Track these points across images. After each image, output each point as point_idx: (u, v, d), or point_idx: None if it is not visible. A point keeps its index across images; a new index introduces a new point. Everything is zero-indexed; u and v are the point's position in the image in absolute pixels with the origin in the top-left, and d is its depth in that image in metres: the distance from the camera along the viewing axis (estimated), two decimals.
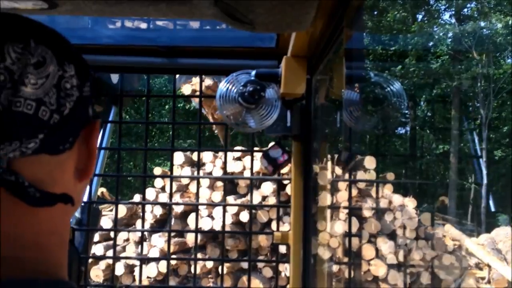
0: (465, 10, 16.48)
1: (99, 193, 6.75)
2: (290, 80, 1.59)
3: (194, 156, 6.15)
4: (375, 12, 17.60)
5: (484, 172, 14.19)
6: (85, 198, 3.28)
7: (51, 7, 0.91)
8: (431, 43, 15.52)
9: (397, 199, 5.98)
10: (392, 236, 5.61)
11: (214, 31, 1.84)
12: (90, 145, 0.56)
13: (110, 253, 5.68)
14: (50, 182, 0.51)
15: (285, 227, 5.24)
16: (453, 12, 16.55)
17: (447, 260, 5.44)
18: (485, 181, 14.09)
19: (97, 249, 5.93)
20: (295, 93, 1.65)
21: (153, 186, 6.32)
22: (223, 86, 1.68)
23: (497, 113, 15.29)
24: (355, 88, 1.57)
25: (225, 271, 5.43)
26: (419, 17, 17.60)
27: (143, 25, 1.82)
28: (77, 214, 2.46)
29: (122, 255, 5.84)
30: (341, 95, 1.60)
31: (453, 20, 16.27)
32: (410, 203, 5.86)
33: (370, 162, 5.87)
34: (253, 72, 1.67)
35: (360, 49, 1.19)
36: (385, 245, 5.36)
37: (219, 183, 5.68)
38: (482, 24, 14.55)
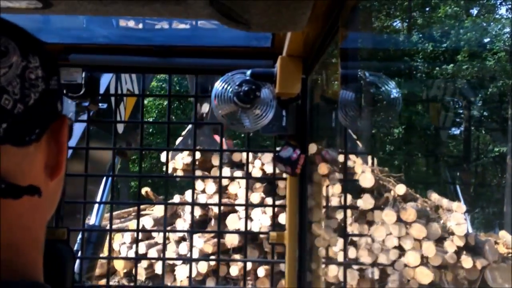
0: None
1: (143, 192, 6.81)
2: (285, 80, 1.59)
3: (234, 157, 6.17)
4: (427, 9, 17.00)
5: None
6: (92, 222, 3.30)
7: (45, 7, 0.91)
8: (486, 39, 14.87)
9: (446, 203, 5.67)
10: (439, 242, 5.33)
11: (209, 31, 1.84)
12: (59, 140, 0.55)
13: (151, 251, 5.85)
14: (17, 175, 0.50)
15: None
16: (510, 6, 15.93)
17: (501, 269, 5.10)
18: None
19: (139, 248, 6.04)
20: (291, 93, 1.65)
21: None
22: (218, 85, 1.68)
23: None
24: (350, 88, 1.57)
25: (263, 274, 5.40)
26: (473, 12, 16.85)
27: (138, 25, 1.82)
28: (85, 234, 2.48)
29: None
30: (336, 95, 1.60)
31: (510, 15, 15.65)
32: (459, 207, 5.56)
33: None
34: (249, 72, 1.66)
35: (356, 49, 1.19)
36: (431, 252, 5.09)
37: (258, 184, 5.68)
38: None
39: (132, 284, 6.02)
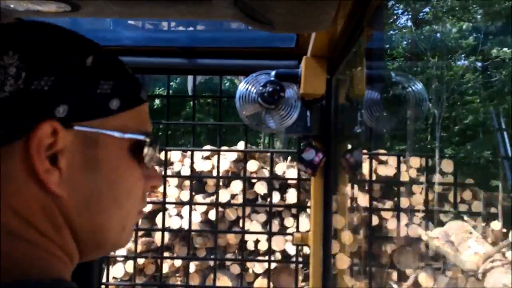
0: (421, 14, 16.56)
1: None
2: (309, 80, 1.58)
3: (162, 156, 6.21)
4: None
5: None
6: None
7: (73, 10, 0.93)
8: (387, 45, 15.28)
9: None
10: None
11: (233, 32, 1.84)
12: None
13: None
14: None
15: (253, 224, 5.40)
16: (410, 16, 16.58)
17: (407, 252, 5.70)
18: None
19: None
20: (315, 93, 1.64)
21: None
22: (242, 86, 1.68)
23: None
24: (376, 88, 1.55)
25: (193, 270, 5.47)
26: None
27: (163, 27, 1.84)
28: None
29: None
30: (361, 95, 1.59)
31: (410, 23, 16.27)
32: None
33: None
34: (273, 73, 1.67)
35: (381, 49, 1.18)
36: (349, 240, 5.37)
37: (187, 182, 5.68)
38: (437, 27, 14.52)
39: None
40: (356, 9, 1.11)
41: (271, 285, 5.29)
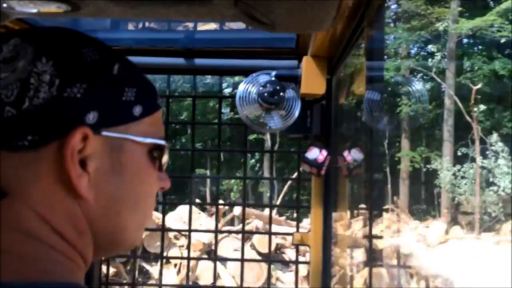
0: None
1: None
2: (310, 80, 1.59)
3: None
4: None
5: None
6: None
7: (73, 10, 0.93)
8: None
9: None
10: None
11: (234, 32, 1.85)
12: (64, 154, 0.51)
13: None
14: (11, 179, 0.49)
15: None
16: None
17: (155, 235, 6.09)
18: None
19: None
20: (315, 94, 1.64)
21: None
22: (242, 86, 1.68)
23: None
24: (376, 88, 1.55)
25: None
26: None
27: (164, 27, 1.84)
28: None
29: None
30: (361, 95, 1.59)
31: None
32: None
33: None
34: (273, 73, 1.67)
35: (381, 49, 1.18)
36: None
37: None
38: None
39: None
40: (356, 9, 1.11)
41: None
